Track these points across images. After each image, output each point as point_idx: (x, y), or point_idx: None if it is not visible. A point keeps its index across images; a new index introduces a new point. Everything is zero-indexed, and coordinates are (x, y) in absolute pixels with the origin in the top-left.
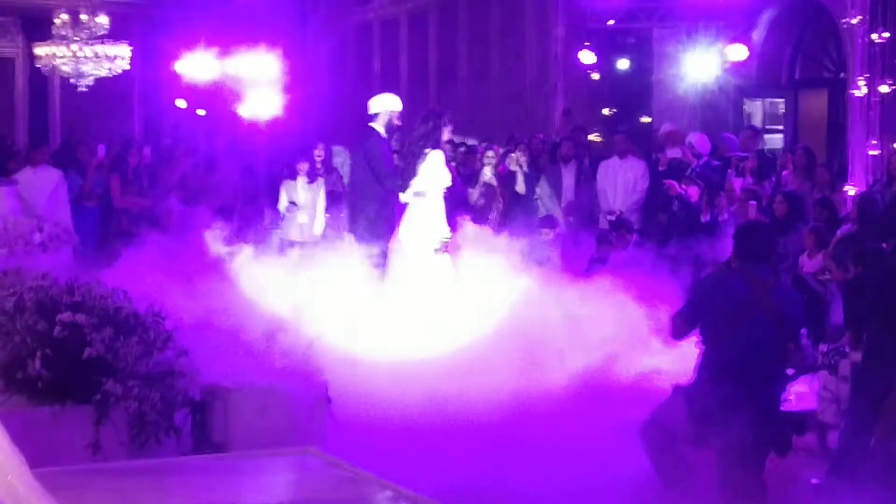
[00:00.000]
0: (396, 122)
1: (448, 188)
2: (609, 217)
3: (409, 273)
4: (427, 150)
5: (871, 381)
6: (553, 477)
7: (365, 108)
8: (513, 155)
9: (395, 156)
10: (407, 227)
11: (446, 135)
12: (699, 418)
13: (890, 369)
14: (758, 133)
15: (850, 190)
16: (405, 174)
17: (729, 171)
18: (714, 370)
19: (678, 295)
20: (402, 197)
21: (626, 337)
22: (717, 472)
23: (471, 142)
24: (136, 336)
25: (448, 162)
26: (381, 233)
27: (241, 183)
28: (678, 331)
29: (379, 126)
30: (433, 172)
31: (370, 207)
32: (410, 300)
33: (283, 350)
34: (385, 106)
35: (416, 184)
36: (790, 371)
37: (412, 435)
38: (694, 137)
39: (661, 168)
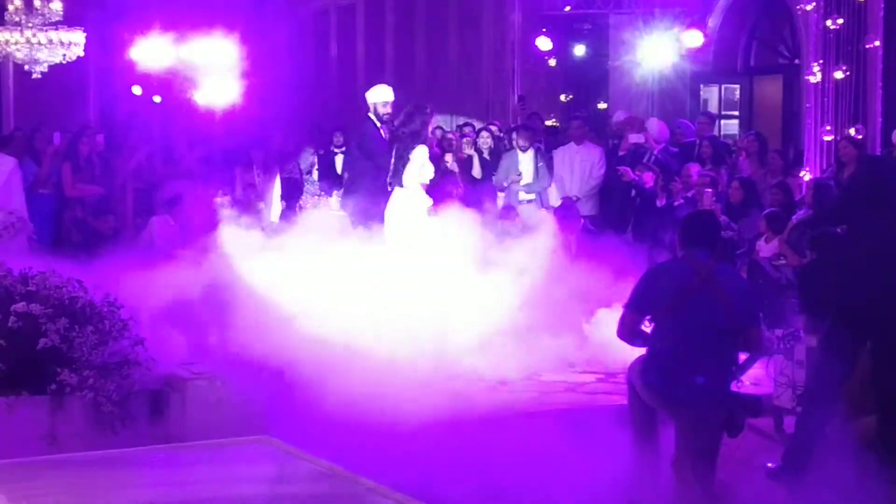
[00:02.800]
0: (385, 110)
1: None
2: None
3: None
4: (415, 146)
5: (827, 366)
6: (516, 474)
7: (322, 93)
8: (466, 139)
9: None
10: (392, 216)
11: (430, 127)
12: (649, 396)
13: (847, 354)
14: (713, 119)
15: (806, 175)
16: (398, 168)
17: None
18: (661, 350)
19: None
20: (400, 189)
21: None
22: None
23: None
24: (91, 326)
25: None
26: (373, 217)
27: (197, 170)
28: (627, 323)
29: (373, 116)
30: (419, 167)
31: (365, 194)
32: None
33: (241, 338)
34: (377, 97)
35: (406, 177)
36: (744, 356)
37: (373, 425)
38: (652, 124)
39: (620, 153)
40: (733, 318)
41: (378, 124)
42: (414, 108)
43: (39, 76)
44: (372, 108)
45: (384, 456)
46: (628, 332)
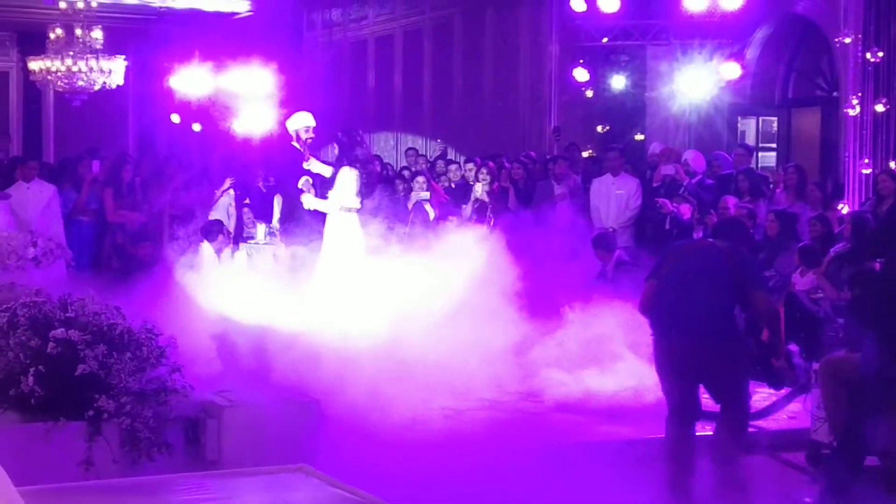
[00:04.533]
0: (308, 135)
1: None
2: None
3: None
4: (345, 168)
5: (866, 400)
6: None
7: (359, 122)
8: (504, 170)
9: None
10: (329, 238)
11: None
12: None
13: (886, 390)
14: (750, 151)
15: (844, 208)
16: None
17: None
18: (664, 305)
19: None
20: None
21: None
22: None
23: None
24: (129, 352)
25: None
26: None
27: (235, 198)
28: (645, 292)
29: (296, 143)
30: (345, 188)
31: (295, 214)
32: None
33: (275, 365)
34: (299, 123)
35: (333, 197)
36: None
37: (404, 452)
38: (689, 155)
39: (654, 184)
40: (731, 273)
41: (301, 150)
42: (354, 133)
43: (79, 104)
44: (295, 136)
45: (419, 485)
46: (645, 301)
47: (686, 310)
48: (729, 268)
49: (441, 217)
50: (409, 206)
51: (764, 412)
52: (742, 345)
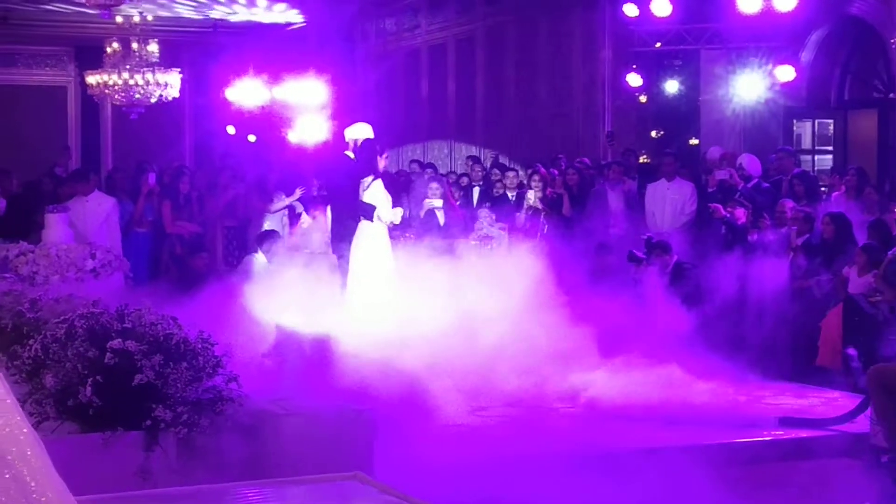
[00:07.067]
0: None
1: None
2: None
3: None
4: (367, 179)
5: None
6: None
7: (413, 132)
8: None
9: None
10: (356, 246)
11: (382, 163)
12: None
13: None
14: (791, 154)
15: None
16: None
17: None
18: None
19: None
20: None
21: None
22: None
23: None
24: (185, 362)
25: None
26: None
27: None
28: None
29: (350, 152)
30: (375, 198)
31: (345, 222)
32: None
33: (332, 374)
34: (358, 133)
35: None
36: None
37: (462, 462)
38: (745, 159)
39: (710, 189)
40: None
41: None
42: (364, 143)
43: (136, 117)
44: (352, 145)
45: (474, 494)
46: None
47: None
48: None
49: (450, 226)
50: (421, 213)
51: (841, 418)
52: None
